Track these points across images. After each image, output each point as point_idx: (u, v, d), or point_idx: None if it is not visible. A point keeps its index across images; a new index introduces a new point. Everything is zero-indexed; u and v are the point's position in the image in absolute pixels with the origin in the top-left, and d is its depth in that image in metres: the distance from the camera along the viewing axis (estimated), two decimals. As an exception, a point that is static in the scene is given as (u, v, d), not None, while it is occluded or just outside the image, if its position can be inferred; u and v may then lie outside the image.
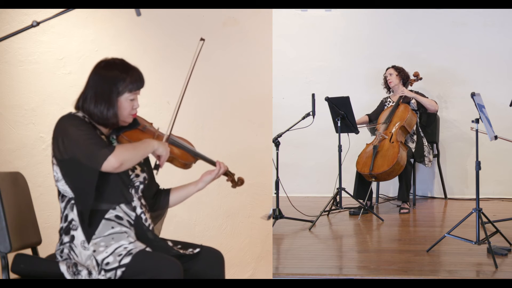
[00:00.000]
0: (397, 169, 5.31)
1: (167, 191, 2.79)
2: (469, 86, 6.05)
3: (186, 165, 2.69)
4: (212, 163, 2.77)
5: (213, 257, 2.66)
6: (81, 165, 2.38)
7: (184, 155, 2.68)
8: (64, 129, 2.44)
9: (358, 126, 5.35)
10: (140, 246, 2.48)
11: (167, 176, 2.82)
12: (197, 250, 2.63)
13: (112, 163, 2.37)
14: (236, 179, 2.83)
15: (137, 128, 2.64)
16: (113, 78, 2.51)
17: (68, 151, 2.41)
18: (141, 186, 2.61)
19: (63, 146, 2.42)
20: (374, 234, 4.83)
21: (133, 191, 2.57)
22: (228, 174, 2.81)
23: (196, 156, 2.72)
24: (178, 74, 3.95)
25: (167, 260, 2.42)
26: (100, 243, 2.46)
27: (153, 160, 2.71)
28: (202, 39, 2.69)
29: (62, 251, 2.51)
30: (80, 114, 2.54)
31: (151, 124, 2.73)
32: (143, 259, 2.42)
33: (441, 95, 6.35)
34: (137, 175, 2.61)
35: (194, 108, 3.97)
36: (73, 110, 2.57)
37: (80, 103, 2.54)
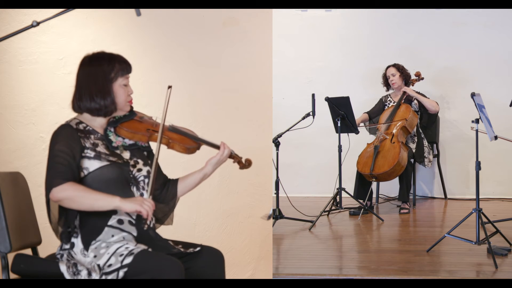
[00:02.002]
0: (398, 169, 5.31)
1: (175, 181, 2.77)
2: (469, 86, 6.05)
3: (188, 149, 2.65)
4: (217, 147, 2.73)
5: (213, 256, 2.66)
6: None
7: (185, 139, 2.66)
8: (50, 143, 2.50)
9: (358, 125, 5.34)
10: (141, 246, 2.49)
11: (170, 168, 2.83)
12: (198, 248, 2.63)
13: (52, 196, 2.41)
14: (243, 161, 2.76)
15: (134, 118, 2.65)
16: (103, 69, 2.55)
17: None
18: (146, 180, 2.62)
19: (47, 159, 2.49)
20: (374, 234, 4.83)
21: (134, 189, 2.58)
22: (233, 156, 2.76)
23: (198, 141, 2.69)
24: (178, 74, 3.98)
25: (168, 260, 2.43)
26: (101, 245, 2.46)
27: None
28: (169, 87, 2.67)
29: (62, 256, 2.52)
30: (75, 121, 2.56)
31: (150, 117, 2.73)
32: (145, 259, 2.42)
33: (441, 96, 6.35)
34: (140, 170, 2.62)
35: (193, 108, 3.97)
36: (72, 113, 2.60)
37: (76, 104, 2.58)
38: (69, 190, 2.39)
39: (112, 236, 2.49)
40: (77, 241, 2.48)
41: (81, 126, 2.56)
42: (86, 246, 2.46)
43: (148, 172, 2.64)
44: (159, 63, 3.97)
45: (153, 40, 4.00)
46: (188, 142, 2.66)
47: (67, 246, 2.50)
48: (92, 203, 2.42)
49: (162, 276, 2.37)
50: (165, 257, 2.44)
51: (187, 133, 2.70)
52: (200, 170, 2.75)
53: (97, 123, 2.60)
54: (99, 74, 2.55)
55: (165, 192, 2.75)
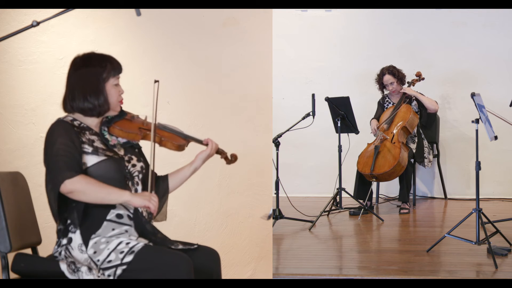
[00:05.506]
0: (398, 170, 5.31)
1: (165, 177, 2.80)
2: (469, 86, 6.05)
3: (179, 147, 2.69)
4: (203, 143, 2.80)
5: (209, 255, 2.66)
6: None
7: (175, 137, 2.70)
8: (48, 138, 2.49)
9: (373, 133, 5.45)
10: (142, 240, 2.49)
11: (163, 165, 2.84)
12: (195, 246, 2.64)
13: (65, 187, 2.38)
14: (229, 156, 2.83)
15: (126, 117, 2.68)
16: (95, 69, 2.56)
17: (45, 161, 2.47)
18: (140, 175, 2.64)
19: (45, 154, 2.48)
20: (374, 234, 4.83)
21: (130, 184, 2.59)
22: (220, 152, 2.82)
23: (187, 138, 2.73)
24: (178, 74, 3.98)
25: (176, 255, 2.43)
26: (101, 240, 2.46)
27: (145, 150, 2.72)
28: (156, 81, 2.69)
29: (60, 253, 2.50)
30: (69, 118, 2.57)
31: (137, 115, 2.75)
32: (148, 256, 2.42)
33: (441, 96, 6.35)
34: (134, 165, 2.63)
35: (193, 108, 3.97)
36: (63, 114, 2.60)
37: (68, 104, 2.58)
38: (82, 182, 2.39)
39: (113, 229, 2.49)
40: (75, 236, 2.47)
41: (75, 123, 2.56)
42: (85, 241, 2.46)
43: (142, 167, 2.66)
44: (159, 63, 3.97)
45: (153, 40, 4.00)
46: (178, 139, 2.71)
47: (65, 242, 2.49)
48: (104, 197, 2.44)
49: (169, 272, 2.37)
50: (171, 252, 2.45)
51: (176, 130, 2.74)
52: (190, 164, 2.79)
53: (91, 121, 2.61)
54: (92, 74, 2.56)
55: (157, 188, 2.76)
